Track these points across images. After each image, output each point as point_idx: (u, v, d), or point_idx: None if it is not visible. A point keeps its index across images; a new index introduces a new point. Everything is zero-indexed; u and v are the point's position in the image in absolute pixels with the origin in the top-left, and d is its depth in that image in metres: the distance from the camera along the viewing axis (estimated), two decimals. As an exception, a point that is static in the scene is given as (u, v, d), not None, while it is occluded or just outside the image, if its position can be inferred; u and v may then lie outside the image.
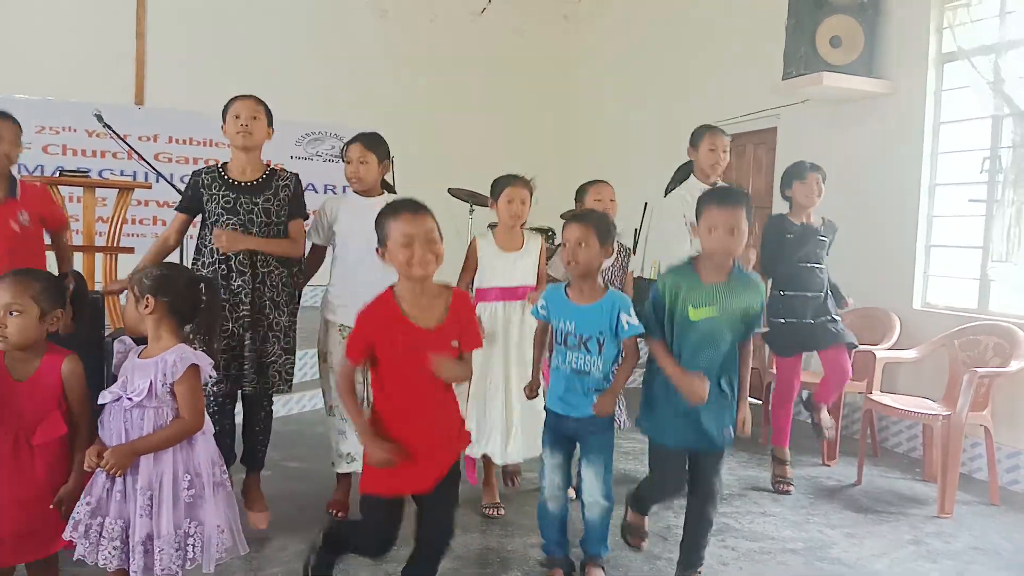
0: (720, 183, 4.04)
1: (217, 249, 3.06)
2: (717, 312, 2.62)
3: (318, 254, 3.51)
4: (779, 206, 6.00)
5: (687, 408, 2.63)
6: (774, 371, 4.52)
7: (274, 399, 3.37)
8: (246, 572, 2.82)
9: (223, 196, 3.08)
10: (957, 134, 4.80)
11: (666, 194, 4.19)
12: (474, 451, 3.37)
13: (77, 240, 5.05)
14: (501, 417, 3.38)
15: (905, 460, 4.66)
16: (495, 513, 3.47)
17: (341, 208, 3.38)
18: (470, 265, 3.46)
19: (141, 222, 6.96)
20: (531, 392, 3.01)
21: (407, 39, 8.29)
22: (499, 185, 3.45)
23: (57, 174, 6.63)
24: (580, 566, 2.88)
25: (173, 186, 5.21)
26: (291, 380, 3.27)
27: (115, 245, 5.06)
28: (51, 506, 2.11)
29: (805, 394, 4.21)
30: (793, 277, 4.06)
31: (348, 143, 3.39)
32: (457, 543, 3.13)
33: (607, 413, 2.73)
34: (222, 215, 3.08)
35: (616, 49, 8.39)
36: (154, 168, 5.49)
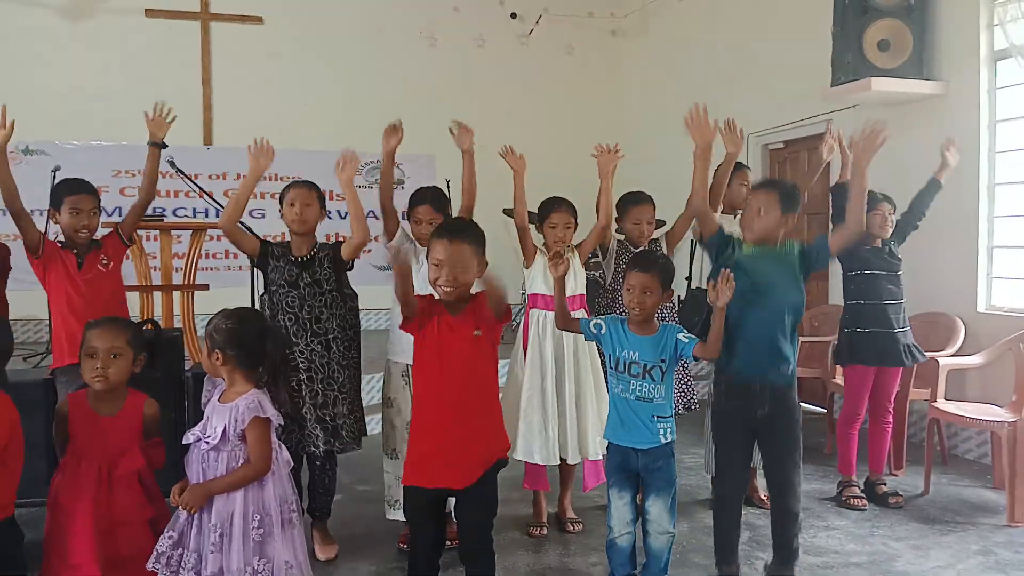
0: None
1: (285, 312, 3.27)
2: (769, 253, 2.93)
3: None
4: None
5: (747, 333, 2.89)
6: (839, 381, 4.50)
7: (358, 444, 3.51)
8: (320, 594, 2.98)
9: (287, 271, 3.31)
10: (1014, 132, 4.71)
11: None
12: (519, 454, 3.46)
13: (155, 278, 5.37)
14: (555, 423, 3.46)
15: (975, 467, 4.57)
16: (537, 533, 3.56)
17: (409, 251, 3.47)
18: (528, 245, 3.67)
19: (214, 256, 7.30)
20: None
21: (457, 65, 8.49)
22: (544, 209, 3.61)
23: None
24: None
25: (241, 223, 5.47)
26: (360, 437, 3.42)
27: (191, 283, 5.34)
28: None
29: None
30: (858, 286, 4.02)
31: (416, 204, 3.55)
32: (517, 561, 3.26)
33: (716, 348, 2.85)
34: (284, 287, 3.30)
35: (664, 62, 8.42)
36: (222, 207, 5.78)
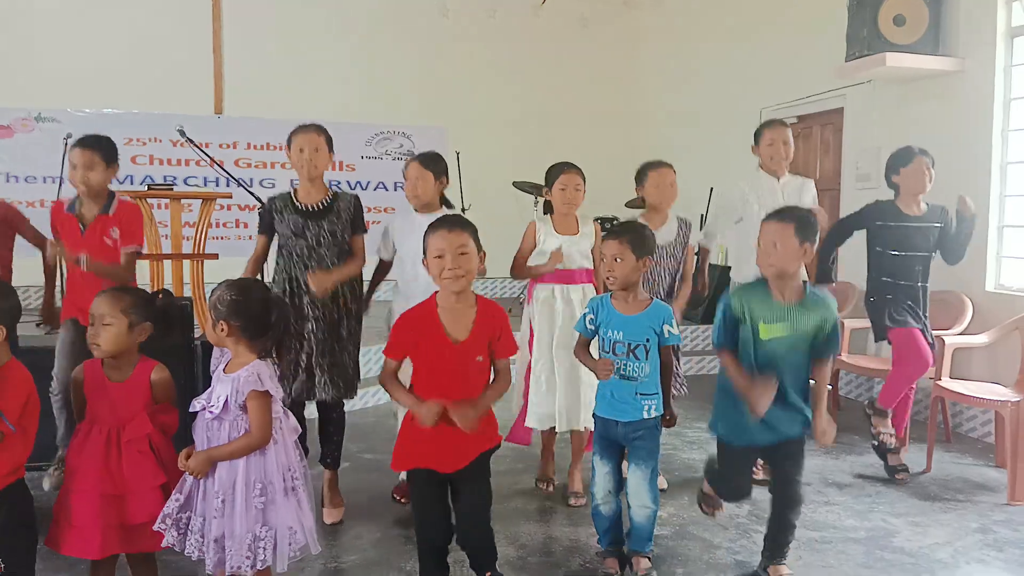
0: (788, 177, 4.03)
1: (287, 267, 3.33)
2: (788, 332, 2.71)
3: (384, 268, 3.76)
4: (847, 188, 5.96)
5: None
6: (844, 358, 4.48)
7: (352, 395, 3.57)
8: (324, 560, 3.03)
9: (292, 221, 3.33)
10: (1030, 110, 4.66)
11: None
12: (532, 422, 3.58)
13: (166, 247, 5.41)
14: (557, 392, 3.54)
15: (979, 445, 4.58)
16: (546, 488, 3.70)
17: (401, 226, 3.57)
18: (526, 247, 3.62)
19: (224, 225, 7.32)
20: (608, 372, 2.86)
21: (469, 36, 8.44)
22: (552, 173, 3.60)
23: (145, 185, 7.07)
24: (627, 556, 2.99)
25: (251, 193, 5.53)
26: (356, 386, 3.50)
27: (201, 252, 5.38)
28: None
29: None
30: (886, 265, 4.00)
31: (407, 162, 3.59)
32: (520, 532, 3.31)
33: (673, 416, 2.92)
34: (291, 238, 3.33)
35: (678, 33, 8.34)
36: (233, 176, 5.82)
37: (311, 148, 3.32)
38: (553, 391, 3.55)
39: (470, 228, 2.53)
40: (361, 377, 3.58)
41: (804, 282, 2.78)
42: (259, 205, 3.70)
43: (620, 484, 2.95)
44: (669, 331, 2.84)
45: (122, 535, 2.38)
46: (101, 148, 3.42)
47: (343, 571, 2.99)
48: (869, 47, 5.07)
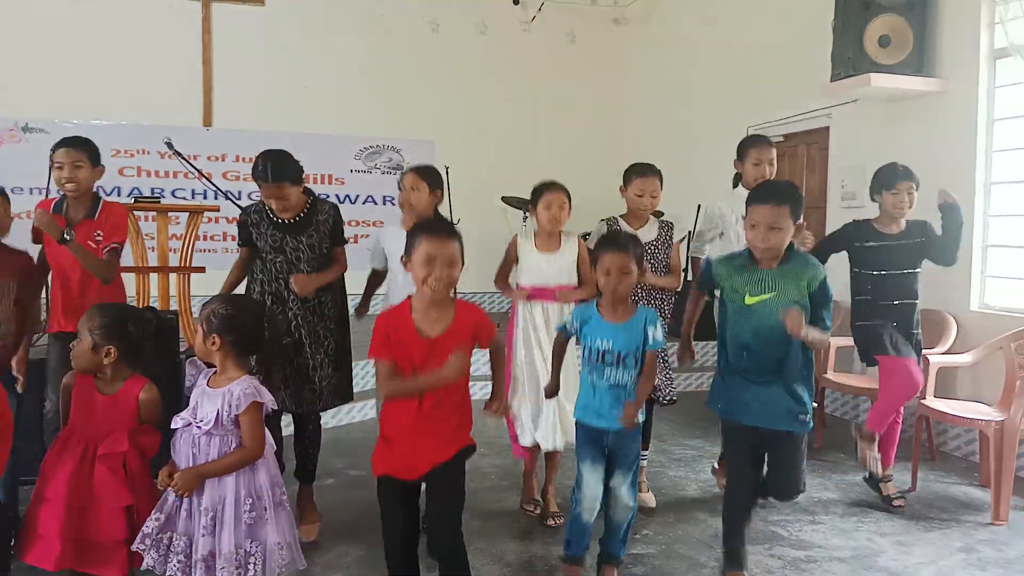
0: None
1: (266, 280, 3.29)
2: (774, 295, 2.76)
3: (377, 278, 3.78)
4: (833, 206, 6.01)
5: (756, 388, 2.82)
6: (831, 377, 4.47)
7: (341, 408, 3.56)
8: (310, 578, 3.01)
9: (270, 235, 3.27)
10: (1012, 131, 4.71)
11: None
12: (525, 440, 3.54)
13: (152, 260, 5.38)
14: (546, 410, 3.49)
15: (963, 464, 4.60)
16: (533, 510, 3.63)
17: (394, 237, 3.49)
18: (508, 260, 3.63)
19: (212, 238, 7.31)
20: (552, 392, 3.11)
21: (459, 51, 8.48)
22: (537, 192, 3.59)
23: (132, 197, 7.04)
24: (596, 565, 2.98)
25: (239, 206, 5.48)
26: (349, 393, 3.49)
27: (188, 265, 5.35)
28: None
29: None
30: (868, 286, 3.95)
31: (403, 173, 3.59)
32: (504, 550, 3.29)
33: (634, 423, 2.86)
34: (270, 253, 3.28)
35: (666, 52, 8.41)
36: (221, 189, 5.81)
37: (279, 196, 3.19)
38: (539, 407, 3.51)
39: (459, 239, 2.51)
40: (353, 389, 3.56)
41: (790, 245, 2.83)
42: (252, 197, 3.61)
43: (603, 490, 2.93)
44: (654, 336, 2.82)
45: (82, 551, 2.35)
46: (86, 147, 3.33)
47: (327, 589, 2.97)
48: (854, 67, 5.12)
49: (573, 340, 3.05)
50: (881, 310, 3.94)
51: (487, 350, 2.64)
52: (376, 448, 2.56)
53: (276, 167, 3.16)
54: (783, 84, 6.44)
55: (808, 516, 3.76)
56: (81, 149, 3.30)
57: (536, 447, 3.57)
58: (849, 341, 4.22)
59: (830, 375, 4.93)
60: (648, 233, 3.75)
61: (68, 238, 3.13)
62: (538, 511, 3.64)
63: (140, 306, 2.90)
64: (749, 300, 2.79)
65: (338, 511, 3.61)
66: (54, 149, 3.29)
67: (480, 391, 3.40)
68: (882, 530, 3.61)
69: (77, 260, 3.23)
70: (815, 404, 5.08)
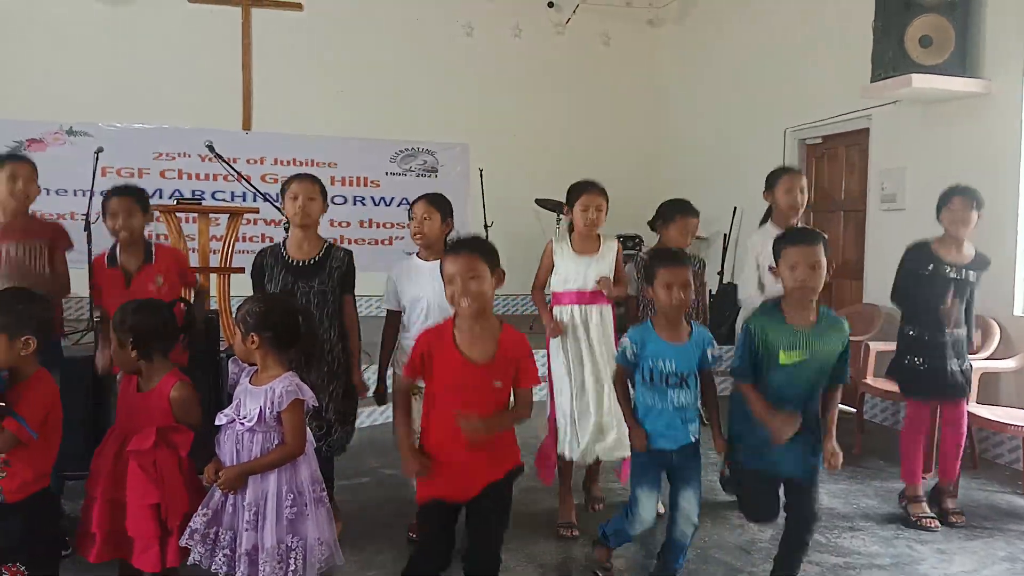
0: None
1: None
2: (806, 356, 2.70)
3: (394, 320, 3.49)
4: (872, 209, 5.92)
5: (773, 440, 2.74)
6: (870, 382, 4.41)
7: (376, 408, 3.55)
8: (347, 574, 3.02)
9: (282, 278, 3.25)
10: (1059, 133, 4.61)
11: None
12: (567, 452, 3.44)
13: (193, 261, 5.47)
14: (590, 417, 3.43)
15: (1007, 472, 4.51)
16: (569, 534, 3.49)
17: (403, 273, 3.42)
18: (545, 265, 3.56)
19: (251, 240, 7.42)
20: (642, 445, 2.84)
21: (493, 54, 8.50)
22: (574, 192, 3.52)
23: (175, 199, 7.17)
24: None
25: (278, 208, 5.55)
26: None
27: (227, 266, 5.44)
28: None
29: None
30: (922, 316, 3.74)
31: (414, 202, 3.45)
32: (538, 550, 3.30)
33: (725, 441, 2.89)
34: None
35: (703, 53, 8.35)
36: (260, 191, 5.89)
37: (305, 197, 3.23)
38: (578, 416, 3.44)
39: (483, 250, 2.44)
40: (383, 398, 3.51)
41: (816, 302, 2.76)
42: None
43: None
44: (712, 355, 2.84)
45: (119, 543, 2.41)
46: (137, 196, 3.38)
47: (364, 586, 3.01)
48: (895, 68, 5.05)
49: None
50: (932, 345, 3.72)
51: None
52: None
53: None
54: (822, 85, 6.36)
55: (847, 523, 3.72)
56: (132, 197, 3.36)
57: (570, 463, 3.52)
58: (890, 346, 4.16)
59: (869, 380, 4.86)
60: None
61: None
62: (575, 534, 3.50)
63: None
64: (784, 360, 2.70)
65: (373, 510, 3.64)
66: (107, 197, 3.35)
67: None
68: (922, 538, 3.55)
69: None
70: (852, 408, 5.07)
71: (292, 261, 3.27)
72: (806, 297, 2.71)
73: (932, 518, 3.70)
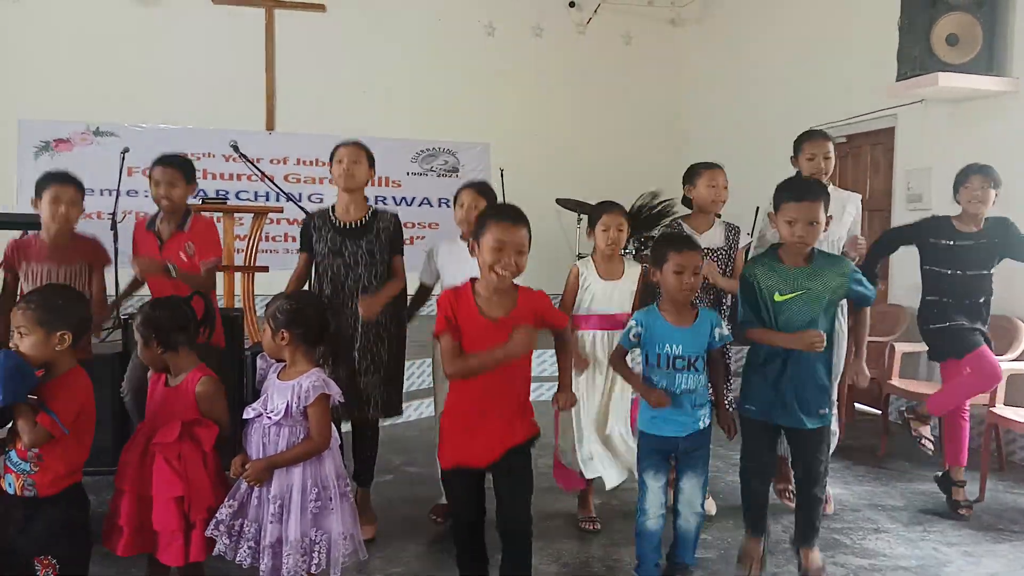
0: (831, 190, 3.88)
1: (323, 286, 3.35)
2: (800, 293, 2.82)
3: (425, 292, 3.68)
4: (898, 209, 5.87)
5: (781, 384, 2.86)
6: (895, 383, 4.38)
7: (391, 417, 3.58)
8: (369, 572, 3.06)
9: (330, 239, 3.35)
10: (1089, 131, 4.55)
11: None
12: (586, 472, 3.45)
13: (217, 260, 5.54)
14: (601, 442, 3.45)
15: (1035, 475, 4.46)
16: (591, 527, 3.53)
17: (447, 251, 3.50)
18: (571, 289, 3.50)
19: (274, 239, 7.49)
20: (663, 401, 2.81)
21: (514, 54, 8.51)
22: (595, 213, 3.51)
23: (200, 198, 7.24)
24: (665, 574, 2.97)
25: (301, 207, 5.61)
26: (397, 407, 3.49)
27: (252, 264, 5.50)
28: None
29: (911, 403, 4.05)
30: (941, 286, 3.84)
31: (461, 190, 3.50)
32: (562, 549, 3.31)
33: (732, 426, 2.95)
34: (328, 256, 3.34)
35: (725, 52, 8.31)
36: (283, 192, 5.93)
37: (350, 160, 3.35)
38: (599, 440, 3.44)
39: (529, 226, 2.51)
40: (403, 396, 3.58)
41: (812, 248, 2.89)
42: (313, 200, 3.70)
43: (667, 498, 2.94)
44: (720, 334, 2.84)
45: (145, 537, 2.44)
46: (182, 167, 3.47)
47: (388, 582, 3.04)
48: (921, 66, 5.00)
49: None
50: (953, 310, 3.82)
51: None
52: (443, 440, 2.59)
53: None
54: (847, 84, 6.31)
55: (872, 524, 3.68)
56: (177, 168, 3.44)
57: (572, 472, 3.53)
58: (916, 347, 4.13)
59: (895, 381, 4.82)
60: (714, 237, 3.67)
61: (173, 274, 3.30)
62: (596, 527, 3.53)
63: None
64: (778, 298, 2.85)
65: (397, 507, 3.67)
66: (153, 165, 3.45)
67: (547, 391, 3.44)
68: (949, 540, 3.51)
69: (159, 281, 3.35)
70: (878, 411, 5.03)
71: (340, 223, 3.37)
72: (801, 251, 2.85)
73: (968, 507, 3.77)
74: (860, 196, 4.05)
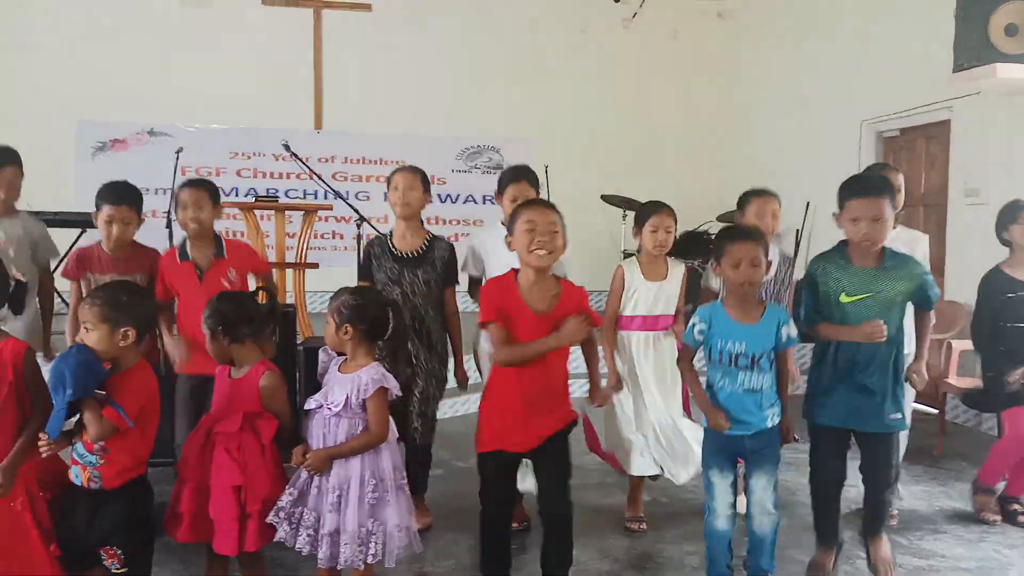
0: (898, 230, 3.52)
1: None
2: (868, 295, 2.76)
3: (476, 284, 3.62)
4: (954, 204, 5.73)
5: (853, 387, 2.80)
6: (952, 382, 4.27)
7: (443, 401, 3.62)
8: (421, 564, 3.10)
9: (389, 268, 3.39)
10: None
11: None
12: (632, 469, 3.45)
13: (270, 257, 5.63)
14: (644, 438, 3.44)
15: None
16: (637, 528, 3.51)
17: (489, 240, 3.50)
18: (615, 291, 3.48)
19: (322, 236, 7.60)
20: (719, 425, 2.76)
21: (559, 50, 8.50)
22: (642, 214, 3.48)
23: (252, 197, 7.38)
24: None
25: (351, 205, 5.70)
26: (424, 442, 3.50)
27: (303, 261, 5.58)
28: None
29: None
30: (1006, 338, 3.63)
31: (509, 181, 3.47)
32: (611, 545, 3.30)
33: (790, 430, 2.85)
34: (388, 284, 3.38)
35: (774, 45, 8.19)
36: (333, 190, 6.02)
37: (406, 186, 3.36)
38: (647, 437, 3.42)
39: (560, 214, 2.62)
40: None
41: (883, 247, 2.81)
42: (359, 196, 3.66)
43: (736, 497, 2.88)
44: (788, 334, 2.74)
45: (203, 525, 2.48)
46: (208, 188, 3.41)
47: (441, 574, 3.08)
48: (978, 57, 4.89)
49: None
50: (1018, 360, 3.60)
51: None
52: (482, 424, 2.67)
53: None
54: (900, 76, 6.18)
55: (929, 525, 3.61)
56: (204, 189, 3.39)
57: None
58: (971, 345, 4.02)
59: (952, 380, 4.71)
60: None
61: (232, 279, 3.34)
62: (642, 528, 3.51)
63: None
64: (845, 299, 2.77)
65: (448, 501, 3.70)
66: (180, 188, 3.40)
67: (578, 389, 3.44)
68: (1011, 542, 3.43)
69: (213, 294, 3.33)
70: (935, 410, 4.92)
71: (398, 252, 3.40)
72: (869, 250, 2.76)
73: (996, 514, 3.64)
74: (928, 237, 3.81)
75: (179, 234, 3.51)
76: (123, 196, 3.33)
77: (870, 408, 2.83)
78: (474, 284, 3.72)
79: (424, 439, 3.45)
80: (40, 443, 2.27)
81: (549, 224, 2.54)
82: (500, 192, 3.50)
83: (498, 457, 2.62)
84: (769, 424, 2.76)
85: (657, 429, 3.41)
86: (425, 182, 3.46)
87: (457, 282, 3.50)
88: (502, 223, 3.50)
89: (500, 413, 2.62)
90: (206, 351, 3.25)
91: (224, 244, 3.42)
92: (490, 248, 3.50)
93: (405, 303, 3.32)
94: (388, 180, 3.48)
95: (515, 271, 2.65)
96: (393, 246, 3.42)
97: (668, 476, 3.45)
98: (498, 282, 2.68)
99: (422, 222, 3.51)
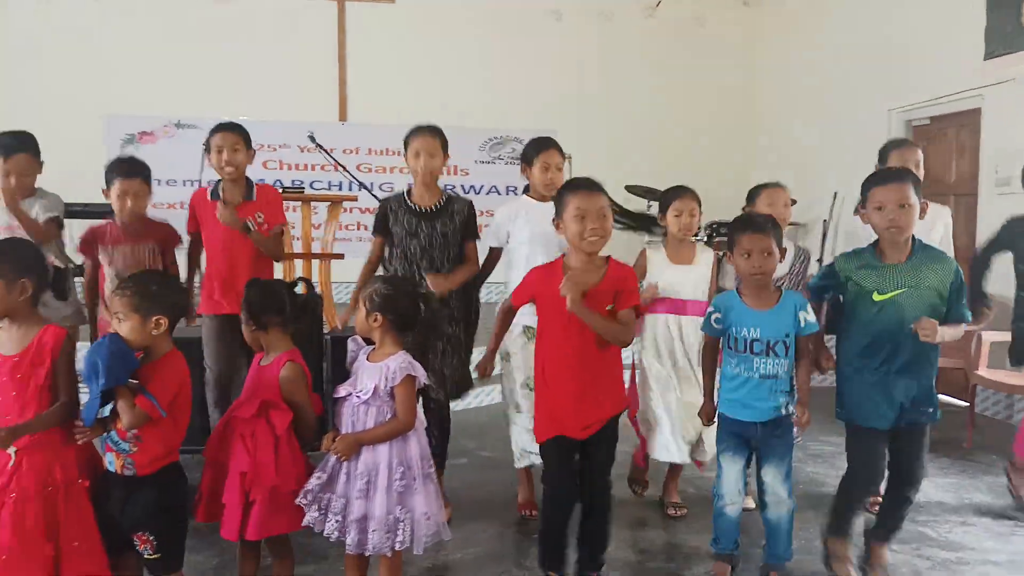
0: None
1: (398, 268, 3.38)
2: (902, 291, 2.68)
3: (495, 256, 3.65)
4: (985, 194, 5.64)
5: (887, 383, 2.71)
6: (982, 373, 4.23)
7: (468, 392, 3.62)
8: (447, 551, 3.12)
9: (406, 220, 3.39)
10: None
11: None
12: (660, 455, 3.46)
13: (296, 247, 5.68)
14: (672, 423, 3.44)
15: None
16: (676, 513, 3.54)
17: (518, 211, 3.50)
18: (638, 275, 3.43)
19: (347, 228, 7.64)
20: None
21: (582, 40, 8.45)
22: (666, 198, 3.48)
23: (278, 189, 7.42)
24: (761, 569, 2.93)
25: (375, 196, 5.73)
26: (469, 386, 3.52)
27: (328, 252, 5.63)
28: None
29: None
30: None
31: (539, 150, 3.46)
32: (639, 536, 3.31)
33: (808, 421, 2.80)
34: (405, 237, 3.37)
35: (801, 32, 8.09)
36: (358, 180, 6.06)
37: (427, 153, 3.35)
38: (671, 423, 3.42)
39: (607, 193, 2.62)
40: (475, 383, 3.58)
41: (912, 237, 2.73)
42: (385, 188, 3.75)
43: (746, 484, 2.90)
44: (806, 319, 2.73)
45: (216, 508, 2.49)
46: (241, 132, 3.50)
47: (466, 562, 3.09)
48: (1011, 44, 4.82)
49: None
50: None
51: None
52: (540, 414, 2.71)
53: None
54: (930, 62, 6.07)
55: (958, 517, 3.58)
56: (237, 133, 3.49)
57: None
58: (1004, 336, 3.98)
59: (983, 372, 4.65)
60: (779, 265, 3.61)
61: (251, 228, 3.38)
62: (682, 512, 3.54)
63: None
64: (877, 297, 2.70)
65: (473, 490, 3.72)
66: (212, 133, 3.47)
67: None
68: (1043, 535, 3.39)
69: (231, 246, 3.43)
70: (965, 403, 4.86)
71: (416, 207, 3.41)
72: (897, 238, 2.68)
73: None
74: (950, 211, 3.81)
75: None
76: (134, 170, 3.45)
77: (908, 403, 2.74)
78: (493, 256, 3.67)
79: (438, 398, 3.40)
80: (76, 431, 2.31)
81: (599, 209, 2.55)
82: (528, 163, 3.50)
83: (559, 445, 2.66)
84: (782, 412, 2.76)
85: (683, 415, 3.40)
86: (444, 144, 3.44)
87: (478, 237, 3.50)
88: (525, 193, 3.57)
89: (558, 399, 2.65)
90: (225, 290, 3.42)
91: (255, 188, 3.53)
92: (516, 220, 3.48)
93: (422, 254, 3.35)
94: (405, 143, 3.42)
95: (564, 255, 2.68)
96: (411, 202, 3.42)
97: (693, 460, 3.48)
98: (547, 269, 2.69)
99: (439, 185, 3.49)
